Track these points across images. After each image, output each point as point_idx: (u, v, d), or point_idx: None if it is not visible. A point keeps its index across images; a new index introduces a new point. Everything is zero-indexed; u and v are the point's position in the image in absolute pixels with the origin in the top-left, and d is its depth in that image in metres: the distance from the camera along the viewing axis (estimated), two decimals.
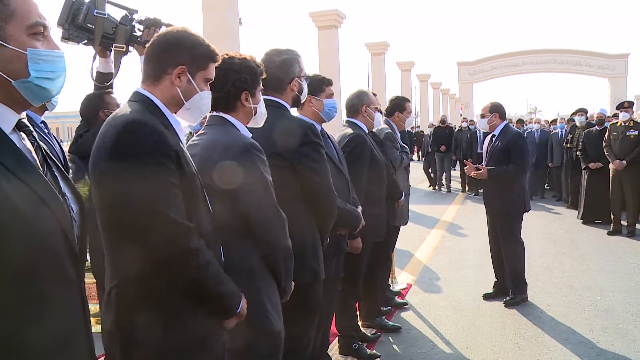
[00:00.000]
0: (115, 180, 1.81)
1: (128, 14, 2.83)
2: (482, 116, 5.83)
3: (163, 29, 2.47)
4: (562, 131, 12.77)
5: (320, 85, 3.69)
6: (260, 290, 2.41)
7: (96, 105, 3.26)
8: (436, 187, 16.86)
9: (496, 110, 5.75)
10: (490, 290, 6.02)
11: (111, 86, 3.14)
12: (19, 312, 1.34)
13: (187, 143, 2.38)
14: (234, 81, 2.52)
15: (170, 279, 1.89)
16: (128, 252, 1.84)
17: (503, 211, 5.73)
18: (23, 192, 1.36)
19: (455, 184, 17.16)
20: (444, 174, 16.53)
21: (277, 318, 2.49)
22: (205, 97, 2.15)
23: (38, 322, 1.38)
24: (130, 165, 1.81)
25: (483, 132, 12.38)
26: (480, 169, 5.64)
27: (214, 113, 2.58)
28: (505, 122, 5.78)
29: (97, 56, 2.97)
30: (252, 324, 2.30)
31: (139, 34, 2.87)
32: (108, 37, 2.79)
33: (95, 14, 2.71)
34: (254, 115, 2.63)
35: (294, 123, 3.10)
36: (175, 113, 2.10)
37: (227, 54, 2.55)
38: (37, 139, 1.53)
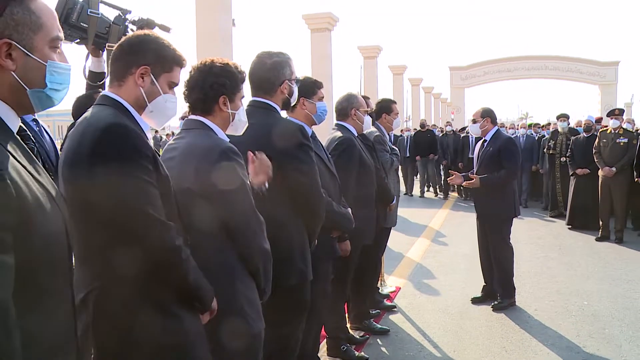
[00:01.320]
0: (98, 182, 1.83)
1: (121, 14, 2.83)
2: (474, 121, 5.87)
3: (156, 30, 2.48)
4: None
5: (312, 88, 3.71)
6: (238, 291, 2.41)
7: (89, 104, 3.26)
8: (420, 194, 16.30)
9: (488, 115, 5.79)
10: (479, 294, 6.04)
11: (103, 85, 3.14)
12: (36, 308, 1.38)
13: (165, 145, 2.39)
14: (212, 84, 2.50)
15: (158, 276, 1.94)
16: (111, 250, 1.87)
17: (493, 215, 5.77)
18: (40, 190, 1.41)
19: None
20: (430, 179, 16.30)
21: (256, 319, 2.48)
22: (169, 101, 2.16)
23: (51, 317, 1.43)
24: (112, 168, 1.84)
25: (475, 137, 12.37)
26: (472, 179, 5.67)
27: (192, 116, 2.57)
28: (496, 127, 5.82)
29: (90, 55, 2.97)
30: (229, 325, 2.31)
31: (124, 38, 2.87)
32: (101, 37, 2.79)
33: (88, 13, 2.72)
34: (232, 121, 2.59)
35: (283, 124, 3.11)
36: (140, 115, 2.11)
37: (211, 59, 2.55)
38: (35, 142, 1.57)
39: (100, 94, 2.12)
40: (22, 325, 1.28)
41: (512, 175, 5.73)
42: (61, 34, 1.53)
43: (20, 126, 1.52)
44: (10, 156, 1.35)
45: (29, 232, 1.33)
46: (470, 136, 14.06)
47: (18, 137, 1.48)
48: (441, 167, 16.15)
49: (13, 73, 1.42)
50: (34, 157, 1.51)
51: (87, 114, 2.04)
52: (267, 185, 2.69)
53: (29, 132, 1.60)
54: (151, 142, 2.08)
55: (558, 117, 11.69)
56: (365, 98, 5.38)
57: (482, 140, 5.89)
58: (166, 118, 2.21)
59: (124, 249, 1.86)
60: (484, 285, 6.06)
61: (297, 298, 3.11)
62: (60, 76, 1.52)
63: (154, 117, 2.15)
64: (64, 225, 1.50)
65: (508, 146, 5.70)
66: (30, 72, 1.45)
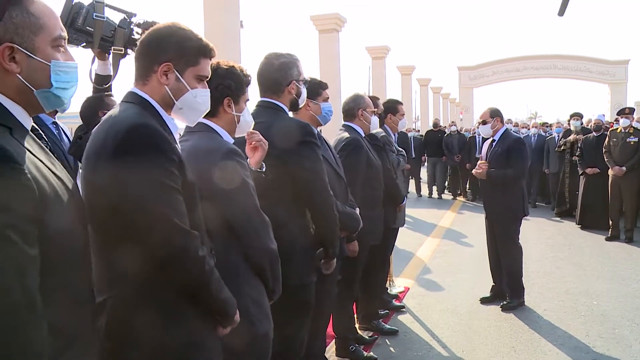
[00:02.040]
0: (119, 185, 1.76)
1: (127, 17, 2.84)
2: (484, 122, 5.83)
3: None
4: (557, 136, 12.74)
5: (317, 89, 3.73)
6: (243, 293, 2.39)
7: (96, 106, 3.28)
8: (429, 195, 16.19)
9: (497, 115, 5.79)
10: (488, 294, 6.03)
11: (110, 88, 3.15)
12: (54, 300, 1.40)
13: None
14: (216, 85, 2.46)
15: (177, 284, 1.88)
16: (130, 256, 1.80)
17: (502, 215, 5.75)
18: (57, 183, 1.44)
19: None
20: (437, 180, 16.08)
21: (263, 321, 2.48)
22: (200, 95, 2.05)
23: (68, 309, 1.46)
24: (134, 171, 1.76)
25: (482, 137, 12.29)
26: (482, 168, 5.65)
27: None
28: (505, 127, 5.82)
29: (96, 59, 2.99)
30: (237, 327, 2.31)
31: (137, 37, 2.89)
32: (107, 40, 2.81)
33: (94, 17, 2.73)
34: (238, 123, 2.58)
35: (289, 123, 3.12)
36: (169, 114, 2.03)
37: (216, 61, 2.48)
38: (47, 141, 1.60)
39: (128, 90, 2.03)
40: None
41: (519, 175, 5.71)
42: (64, 33, 1.53)
43: (32, 126, 1.54)
44: (29, 153, 1.38)
45: (47, 225, 1.35)
46: (476, 136, 13.98)
47: (33, 134, 1.50)
48: (448, 168, 15.98)
49: (18, 75, 1.43)
50: (50, 152, 1.53)
51: (113, 111, 1.96)
52: (264, 166, 2.67)
53: (41, 132, 1.61)
54: (179, 145, 1.99)
55: (572, 116, 11.62)
56: (375, 99, 5.39)
57: (490, 139, 5.88)
58: (198, 114, 2.12)
59: (145, 257, 1.79)
60: (492, 285, 6.05)
61: (299, 299, 3.09)
62: (67, 74, 1.53)
63: (185, 115, 2.07)
64: (81, 218, 1.53)
65: (517, 146, 5.68)
66: (34, 73, 1.46)
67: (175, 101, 2.00)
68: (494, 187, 5.70)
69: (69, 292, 1.47)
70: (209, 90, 2.12)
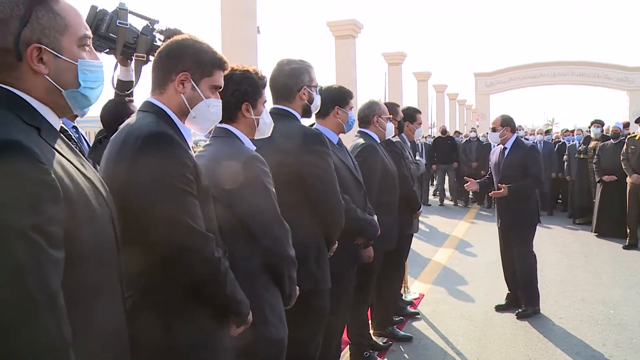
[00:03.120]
0: (138, 191, 1.83)
1: (149, 24, 2.88)
2: (494, 130, 5.85)
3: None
4: (578, 142, 12.67)
5: (346, 98, 3.77)
6: (260, 297, 2.42)
7: (121, 112, 3.32)
8: (440, 202, 15.97)
9: (507, 124, 5.79)
10: (503, 302, 6.01)
11: (131, 94, 3.20)
12: (88, 303, 1.43)
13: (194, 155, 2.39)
14: (233, 91, 2.52)
15: (194, 286, 1.94)
16: (147, 259, 1.86)
17: (517, 223, 5.74)
18: (86, 184, 1.46)
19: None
20: (450, 188, 15.90)
21: (278, 325, 2.50)
22: (213, 105, 2.14)
23: (102, 313, 1.48)
24: (152, 178, 1.84)
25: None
26: (501, 188, 5.63)
27: (218, 124, 2.58)
28: (515, 135, 5.83)
29: (119, 65, 3.03)
30: (252, 332, 2.31)
31: (159, 43, 2.92)
32: (129, 47, 2.84)
33: (117, 24, 2.77)
34: (257, 126, 2.63)
35: (301, 131, 3.14)
36: (184, 122, 2.10)
37: (231, 67, 2.51)
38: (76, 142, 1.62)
39: (145, 100, 2.11)
40: (74, 321, 1.32)
41: (538, 183, 5.74)
42: (89, 32, 1.54)
43: (62, 127, 1.55)
44: (57, 152, 1.39)
45: (77, 226, 1.36)
46: (492, 144, 13.84)
47: (62, 135, 1.52)
48: (454, 173, 15.68)
49: (47, 77, 1.45)
50: (80, 154, 1.54)
51: (130, 120, 2.04)
52: None
53: (70, 133, 1.63)
54: (192, 152, 2.06)
55: (592, 123, 11.57)
56: (395, 105, 5.41)
57: (501, 148, 5.88)
58: (210, 123, 2.20)
59: (162, 260, 1.86)
60: (508, 293, 6.03)
61: (314, 305, 3.10)
62: (93, 74, 1.54)
63: (197, 123, 2.13)
64: (110, 219, 1.55)
65: (532, 154, 5.70)
66: (62, 73, 1.47)
67: (190, 109, 2.08)
68: (510, 196, 5.68)
69: (102, 295, 1.49)
70: (220, 101, 2.20)
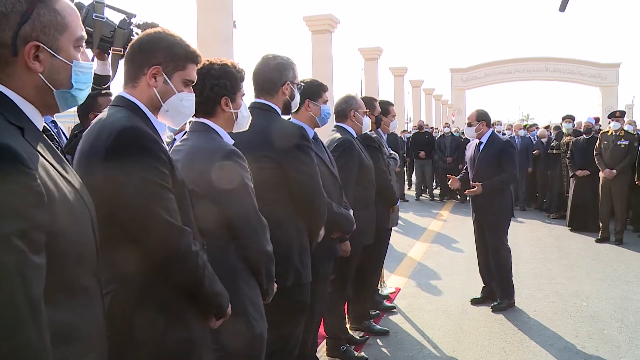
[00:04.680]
0: (112, 186, 1.81)
1: (126, 18, 2.85)
2: (469, 125, 5.89)
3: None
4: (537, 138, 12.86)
5: (319, 91, 3.74)
6: (241, 292, 2.43)
7: (89, 105, 3.28)
8: (416, 197, 16.04)
9: (483, 118, 5.82)
10: (478, 295, 6.07)
11: (108, 88, 3.17)
12: (68, 306, 1.41)
13: (170, 149, 2.38)
14: (212, 86, 2.51)
15: (172, 281, 1.94)
16: (125, 255, 1.86)
17: (492, 218, 5.79)
18: (67, 188, 1.43)
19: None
20: (427, 183, 15.98)
21: (259, 320, 2.51)
22: (185, 99, 2.12)
23: (82, 315, 1.46)
24: (126, 172, 1.82)
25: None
26: (474, 187, 5.69)
27: (196, 119, 2.58)
28: (491, 130, 5.86)
29: (95, 59, 3.00)
30: (232, 325, 2.31)
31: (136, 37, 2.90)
32: (106, 41, 2.81)
33: (94, 17, 2.73)
34: (236, 120, 2.61)
35: (283, 125, 3.14)
36: (156, 116, 2.09)
37: (209, 61, 2.54)
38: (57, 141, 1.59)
39: (117, 94, 2.09)
40: (55, 324, 1.31)
41: (512, 178, 5.79)
42: (84, 33, 1.53)
43: (44, 126, 1.53)
44: (40, 156, 1.36)
45: (59, 230, 1.34)
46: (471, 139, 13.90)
47: (45, 136, 1.49)
48: (432, 168, 15.80)
49: (40, 75, 1.42)
50: (61, 155, 1.52)
51: (102, 115, 2.02)
52: None
53: (52, 132, 1.61)
54: (166, 146, 2.04)
55: (564, 118, 11.73)
56: (373, 100, 5.42)
57: (476, 142, 5.92)
58: (183, 117, 2.17)
59: (139, 254, 1.85)
60: (483, 287, 6.09)
61: (295, 299, 3.12)
62: (85, 75, 1.53)
63: (170, 117, 2.12)
64: (90, 222, 1.53)
65: (507, 149, 5.74)
66: (56, 73, 1.46)
67: (162, 103, 2.06)
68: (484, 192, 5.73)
69: (82, 298, 1.47)
70: (194, 95, 2.18)
